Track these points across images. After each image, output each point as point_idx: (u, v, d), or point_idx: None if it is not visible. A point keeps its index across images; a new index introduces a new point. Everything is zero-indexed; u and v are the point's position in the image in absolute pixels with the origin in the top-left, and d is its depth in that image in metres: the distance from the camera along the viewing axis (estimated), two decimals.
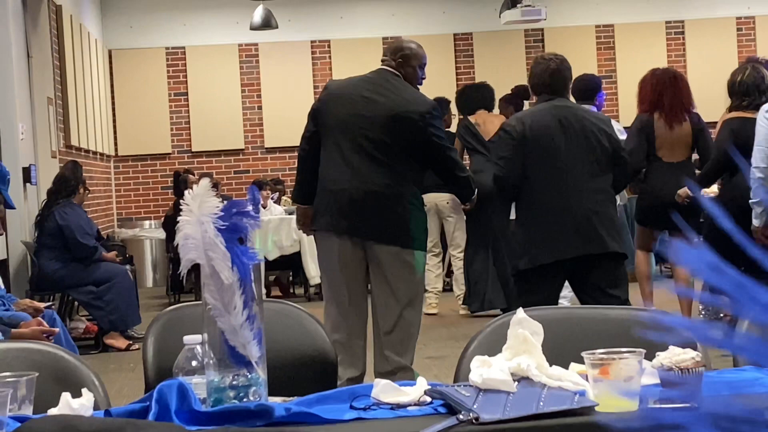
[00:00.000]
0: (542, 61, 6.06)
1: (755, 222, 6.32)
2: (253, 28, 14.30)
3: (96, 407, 2.40)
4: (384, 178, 5.58)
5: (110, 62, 15.61)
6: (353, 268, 5.63)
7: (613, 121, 8.75)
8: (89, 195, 10.77)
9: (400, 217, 5.59)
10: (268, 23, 14.14)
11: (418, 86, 5.86)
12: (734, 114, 7.33)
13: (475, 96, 10.24)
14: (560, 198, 5.77)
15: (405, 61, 5.79)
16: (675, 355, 2.32)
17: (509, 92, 11.17)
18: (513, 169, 5.83)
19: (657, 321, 1.05)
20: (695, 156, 8.03)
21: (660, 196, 7.76)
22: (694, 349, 2.33)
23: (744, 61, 8.01)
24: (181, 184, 12.89)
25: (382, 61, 5.86)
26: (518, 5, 13.53)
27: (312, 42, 15.62)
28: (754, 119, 6.65)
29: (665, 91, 7.84)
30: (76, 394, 2.36)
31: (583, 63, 15.89)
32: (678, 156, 7.80)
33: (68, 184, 9.44)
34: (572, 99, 6.04)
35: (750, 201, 6.31)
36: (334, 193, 5.60)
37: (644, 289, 8.21)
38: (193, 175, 12.97)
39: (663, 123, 7.81)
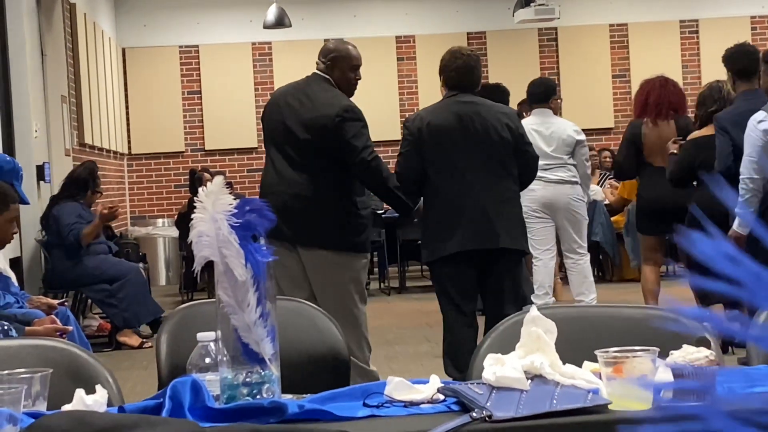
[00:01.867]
0: (452, 55, 6.08)
1: (740, 230, 6.19)
2: (266, 26, 14.30)
3: (109, 404, 2.40)
4: (308, 183, 5.70)
5: (124, 60, 15.63)
6: (291, 274, 5.72)
7: (569, 123, 8.84)
8: (103, 194, 10.76)
9: (326, 220, 5.69)
10: (281, 22, 14.14)
11: (352, 88, 5.88)
12: (698, 133, 7.42)
13: (489, 97, 10.10)
14: (457, 193, 5.88)
15: (333, 64, 5.83)
16: (689, 354, 2.31)
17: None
18: (409, 165, 5.95)
19: (676, 312, 1.05)
20: None
21: (655, 201, 7.89)
22: (708, 347, 2.33)
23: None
24: (196, 182, 12.90)
25: (316, 64, 5.92)
26: (532, 4, 13.51)
27: (325, 40, 15.54)
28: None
29: (652, 92, 8.01)
30: (90, 391, 2.37)
31: (596, 62, 15.91)
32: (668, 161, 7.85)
33: (77, 184, 9.40)
34: (475, 93, 6.13)
35: (737, 209, 6.24)
36: (266, 198, 5.61)
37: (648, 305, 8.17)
38: (209, 173, 13.00)
39: (650, 126, 7.95)
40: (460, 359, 5.88)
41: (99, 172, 9.97)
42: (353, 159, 5.69)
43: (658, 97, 7.96)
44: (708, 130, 7.20)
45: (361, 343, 5.80)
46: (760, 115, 6.24)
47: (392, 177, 5.92)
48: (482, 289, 6.10)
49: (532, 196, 8.72)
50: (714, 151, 6.78)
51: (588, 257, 9.05)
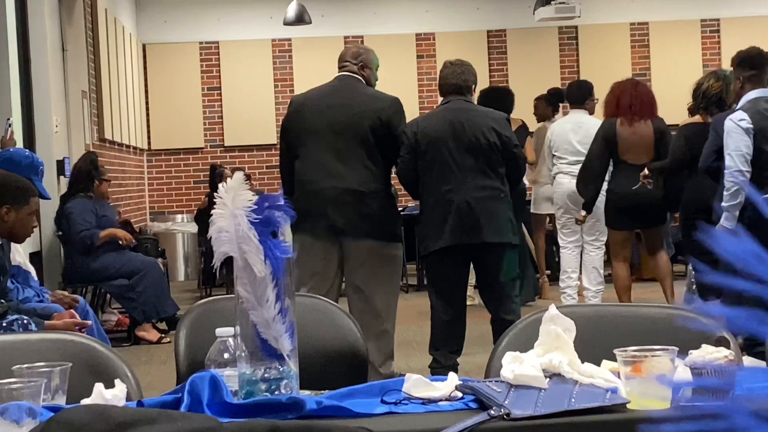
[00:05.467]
0: (448, 66, 6.64)
1: (726, 224, 6.35)
2: (286, 23, 14.31)
3: (128, 398, 2.41)
4: (357, 176, 6.12)
5: (144, 56, 15.66)
6: (329, 269, 6.11)
7: (597, 120, 9.09)
8: (122, 189, 10.78)
9: (375, 212, 6.13)
10: (301, 18, 14.14)
11: (375, 85, 6.45)
12: (689, 120, 7.74)
13: (496, 100, 10.14)
14: (447, 192, 6.40)
15: (365, 64, 6.37)
16: (708, 353, 2.30)
17: (546, 93, 11.28)
18: (406, 168, 6.47)
19: (698, 310, 1.05)
20: None
21: (626, 198, 8.20)
22: (728, 347, 2.32)
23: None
24: (216, 177, 12.92)
25: (342, 67, 6.39)
26: (552, 2, 13.48)
27: (345, 38, 15.62)
28: (707, 124, 7.19)
29: (624, 93, 8.32)
30: (109, 385, 2.37)
31: (617, 61, 15.86)
32: (641, 159, 8.19)
33: (81, 178, 9.40)
34: (473, 100, 6.76)
35: (723, 204, 6.37)
36: (310, 195, 6.08)
37: (622, 302, 8.47)
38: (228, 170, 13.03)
39: (624, 126, 8.23)
40: (442, 341, 6.56)
41: (118, 167, 9.99)
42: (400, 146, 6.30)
43: (631, 98, 8.24)
44: (697, 119, 7.59)
45: (386, 339, 6.21)
46: (739, 114, 6.45)
47: None
48: (479, 280, 6.80)
49: (560, 189, 9.34)
50: (702, 139, 7.10)
51: (602, 251, 9.43)
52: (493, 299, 6.52)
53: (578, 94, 9.49)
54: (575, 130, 9.29)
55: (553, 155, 9.39)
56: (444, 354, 6.47)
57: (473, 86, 6.65)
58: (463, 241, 6.38)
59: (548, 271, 11.23)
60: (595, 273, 9.33)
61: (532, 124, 11.36)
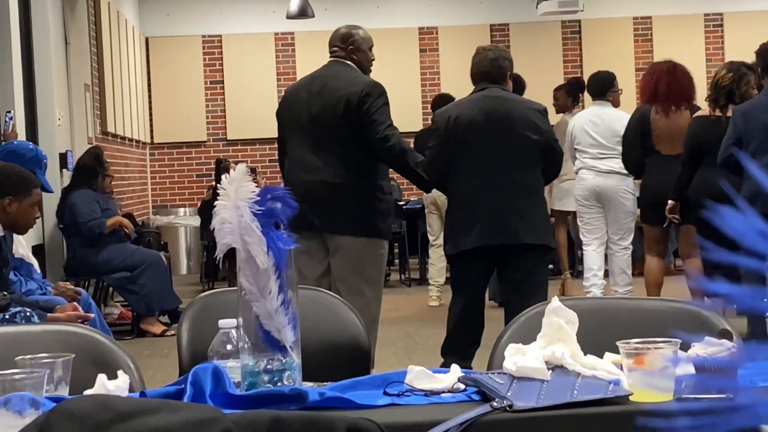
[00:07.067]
0: (482, 51, 6.18)
1: None
2: (289, 16, 14.31)
3: (131, 390, 2.41)
4: (334, 169, 5.76)
5: (147, 50, 15.66)
6: (312, 265, 5.78)
7: (623, 114, 8.83)
8: (125, 182, 10.78)
9: (351, 206, 5.76)
10: (304, 12, 14.14)
11: (371, 67, 6.06)
12: (700, 113, 7.49)
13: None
14: (477, 188, 5.95)
15: (355, 47, 5.98)
16: (710, 346, 2.30)
17: (566, 82, 11.23)
18: (436, 159, 6.02)
19: (707, 288, 1.04)
20: None
21: (660, 190, 7.71)
22: (730, 339, 2.32)
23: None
24: (222, 171, 12.90)
25: (332, 52, 6.02)
26: None
27: None
28: (717, 117, 7.16)
29: (661, 79, 7.88)
30: (112, 377, 2.38)
31: (620, 55, 15.85)
32: (677, 149, 7.65)
33: (85, 172, 9.38)
34: (509, 89, 6.22)
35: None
36: (290, 188, 5.68)
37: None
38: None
39: (660, 114, 7.83)
40: (459, 346, 6.11)
41: (121, 161, 9.98)
42: (374, 134, 5.77)
43: (668, 85, 7.83)
44: (704, 111, 7.39)
45: (371, 326, 5.83)
46: None
47: (412, 153, 5.99)
48: (503, 282, 6.28)
49: (583, 185, 8.99)
50: (709, 132, 7.04)
51: (629, 251, 9.04)
52: (517, 307, 6.06)
53: (599, 86, 9.16)
54: (596, 122, 8.98)
55: (575, 149, 9.09)
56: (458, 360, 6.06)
57: (509, 73, 6.16)
58: (494, 241, 5.91)
59: (570, 270, 10.92)
60: (623, 275, 8.93)
61: (552, 116, 11.35)
